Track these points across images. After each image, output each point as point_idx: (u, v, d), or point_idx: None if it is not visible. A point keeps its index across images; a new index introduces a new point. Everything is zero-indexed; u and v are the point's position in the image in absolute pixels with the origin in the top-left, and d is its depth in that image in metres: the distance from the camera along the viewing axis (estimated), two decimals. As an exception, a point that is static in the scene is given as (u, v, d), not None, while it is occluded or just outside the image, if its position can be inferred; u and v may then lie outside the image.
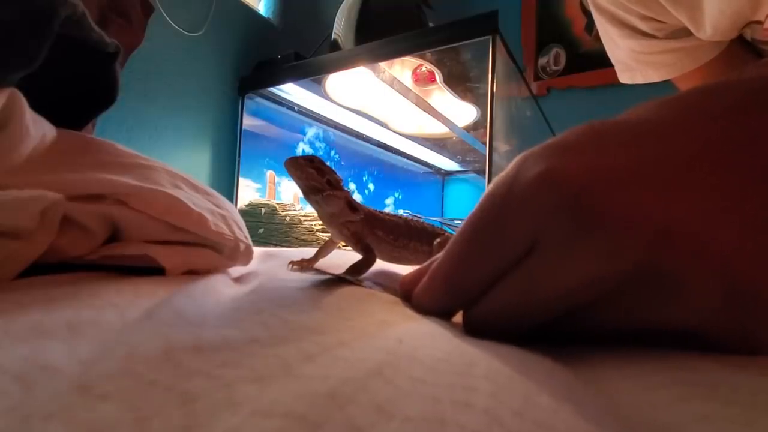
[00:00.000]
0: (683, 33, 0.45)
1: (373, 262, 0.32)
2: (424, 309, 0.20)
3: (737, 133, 0.15)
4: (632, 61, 0.52)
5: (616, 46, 0.52)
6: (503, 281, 0.17)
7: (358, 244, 0.33)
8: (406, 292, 0.22)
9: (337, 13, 1.15)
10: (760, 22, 0.38)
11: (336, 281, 0.25)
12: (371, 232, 0.33)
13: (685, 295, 0.15)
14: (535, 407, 0.10)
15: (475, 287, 0.17)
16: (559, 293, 0.15)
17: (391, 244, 0.34)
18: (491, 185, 0.18)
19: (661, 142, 0.16)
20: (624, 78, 0.55)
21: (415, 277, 0.21)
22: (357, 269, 0.31)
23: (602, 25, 0.52)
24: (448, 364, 0.12)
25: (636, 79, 0.53)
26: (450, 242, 0.19)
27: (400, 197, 1.82)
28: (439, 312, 0.19)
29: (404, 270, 0.36)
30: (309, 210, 1.10)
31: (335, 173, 0.32)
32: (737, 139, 0.15)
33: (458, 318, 0.19)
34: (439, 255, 0.19)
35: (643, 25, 0.46)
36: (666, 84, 0.52)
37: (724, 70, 0.46)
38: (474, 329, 0.18)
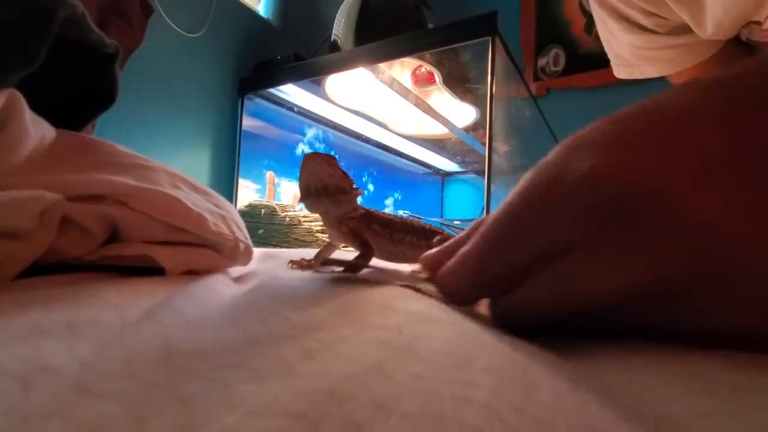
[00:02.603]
0: (685, 29, 0.45)
1: (371, 257, 0.32)
2: (447, 292, 0.19)
3: None
4: (632, 57, 0.52)
5: (616, 41, 0.52)
6: (534, 278, 0.16)
7: (356, 240, 0.33)
8: (429, 270, 0.21)
9: (337, 14, 1.16)
10: (759, 23, 0.38)
11: (336, 278, 0.25)
12: (368, 227, 0.33)
13: (732, 298, 0.14)
14: (536, 403, 0.10)
15: (505, 280, 0.17)
16: (591, 296, 0.15)
17: (387, 238, 0.34)
18: (533, 173, 0.16)
19: (714, 136, 0.14)
20: (621, 73, 0.55)
21: (439, 256, 0.21)
22: (356, 265, 0.31)
23: (602, 20, 0.51)
24: (448, 357, 0.12)
25: (634, 75, 0.53)
26: (483, 228, 0.18)
27: (399, 198, 1.82)
28: (463, 297, 0.19)
29: (401, 268, 0.36)
30: (308, 211, 1.10)
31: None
32: None
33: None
34: (461, 236, 0.19)
35: (645, 21, 0.46)
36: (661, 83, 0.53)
37: (719, 67, 0.47)
38: (501, 320, 0.17)
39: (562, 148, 0.16)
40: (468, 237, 0.19)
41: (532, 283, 0.16)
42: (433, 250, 0.22)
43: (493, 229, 0.17)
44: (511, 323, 0.17)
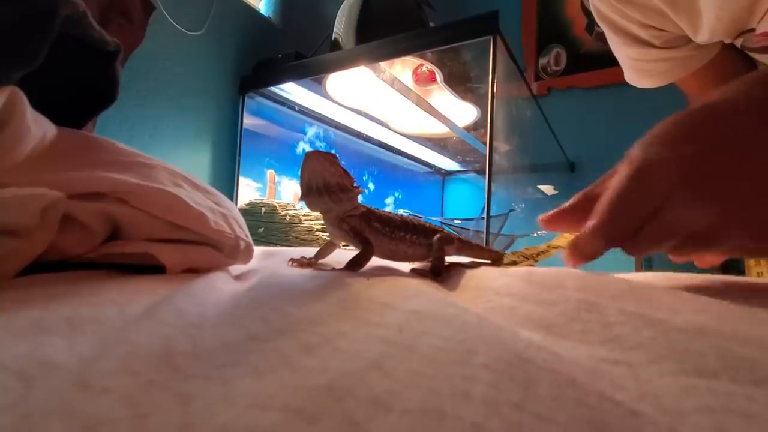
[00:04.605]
0: (680, 41, 0.47)
1: (371, 254, 0.32)
2: (585, 252, 0.29)
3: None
4: (629, 69, 0.54)
5: (616, 53, 0.54)
6: (642, 230, 0.26)
7: (356, 238, 0.33)
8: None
9: (338, 13, 1.15)
10: (753, 30, 0.38)
11: (336, 275, 0.25)
12: (368, 225, 0.33)
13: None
14: (535, 397, 0.10)
15: (622, 236, 0.27)
16: (677, 232, 0.25)
17: (388, 236, 0.34)
18: (625, 164, 0.26)
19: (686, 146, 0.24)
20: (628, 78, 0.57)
21: (560, 215, 0.31)
22: (356, 263, 0.31)
23: (606, 33, 0.53)
24: (448, 353, 0.12)
25: (633, 82, 0.56)
26: (603, 206, 0.27)
27: (400, 197, 1.82)
28: (597, 253, 0.28)
29: (402, 267, 0.36)
30: (309, 210, 1.10)
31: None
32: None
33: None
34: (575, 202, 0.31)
35: (642, 33, 0.48)
36: (663, 88, 0.54)
37: (714, 72, 0.49)
38: (632, 252, 0.27)
39: (639, 147, 0.26)
40: (577, 207, 0.31)
41: (643, 233, 0.26)
42: (550, 213, 0.32)
43: (610, 205, 0.26)
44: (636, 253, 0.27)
